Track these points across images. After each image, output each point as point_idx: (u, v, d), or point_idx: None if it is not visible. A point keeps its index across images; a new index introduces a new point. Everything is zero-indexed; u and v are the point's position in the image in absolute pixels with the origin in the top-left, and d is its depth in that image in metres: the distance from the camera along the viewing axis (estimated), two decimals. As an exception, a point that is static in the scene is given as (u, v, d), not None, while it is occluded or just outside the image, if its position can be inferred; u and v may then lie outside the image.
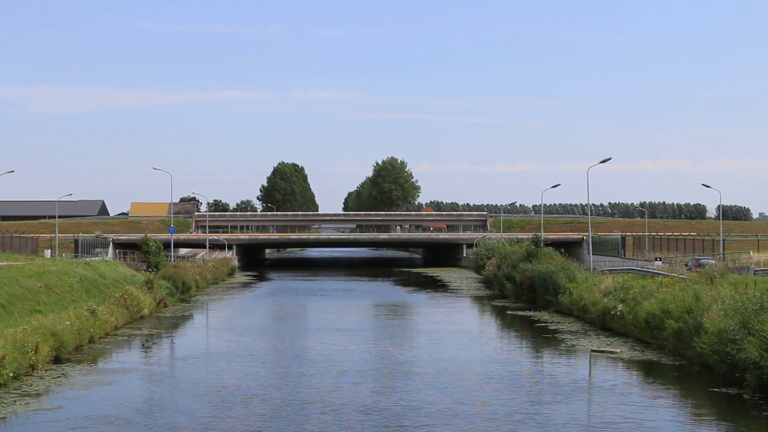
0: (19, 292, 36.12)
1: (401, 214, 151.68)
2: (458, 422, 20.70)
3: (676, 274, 40.06)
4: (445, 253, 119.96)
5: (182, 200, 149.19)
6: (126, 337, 37.17)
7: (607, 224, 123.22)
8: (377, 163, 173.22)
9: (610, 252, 78.75)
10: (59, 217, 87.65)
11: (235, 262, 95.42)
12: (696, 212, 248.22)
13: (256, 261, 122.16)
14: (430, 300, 59.39)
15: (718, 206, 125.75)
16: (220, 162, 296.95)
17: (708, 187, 73.96)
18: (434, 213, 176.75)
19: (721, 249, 64.17)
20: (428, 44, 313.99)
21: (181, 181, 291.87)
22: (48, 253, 72.60)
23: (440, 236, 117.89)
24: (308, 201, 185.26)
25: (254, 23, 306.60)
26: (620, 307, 36.09)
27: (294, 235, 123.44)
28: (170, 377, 28.39)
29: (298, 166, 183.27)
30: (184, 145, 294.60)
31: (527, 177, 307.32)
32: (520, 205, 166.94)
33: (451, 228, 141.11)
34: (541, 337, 36.70)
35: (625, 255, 78.25)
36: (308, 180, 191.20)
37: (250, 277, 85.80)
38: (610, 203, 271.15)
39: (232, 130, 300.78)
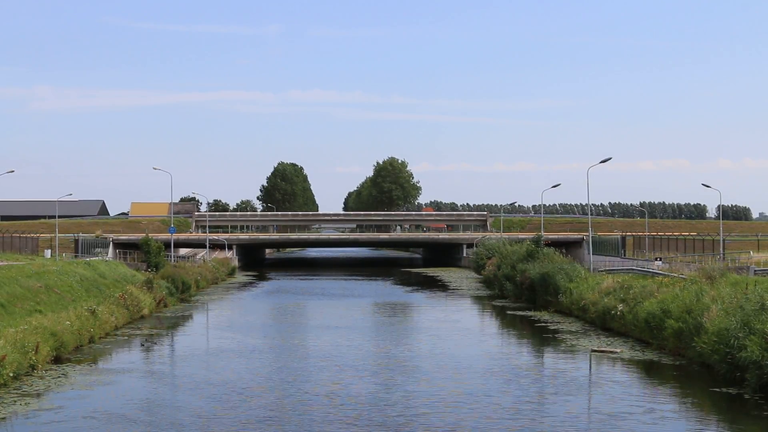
0: (19, 292, 36.11)
1: (401, 214, 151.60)
2: (458, 419, 20.70)
3: (676, 274, 40.01)
4: (445, 253, 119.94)
5: (182, 200, 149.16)
6: (126, 337, 37.18)
7: (607, 224, 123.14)
8: (377, 163, 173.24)
9: (610, 252, 78.70)
10: (59, 217, 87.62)
11: (235, 262, 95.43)
12: (696, 212, 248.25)
13: (256, 261, 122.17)
14: (430, 299, 59.39)
15: (718, 206, 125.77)
16: (220, 162, 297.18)
17: (708, 187, 73.87)
18: (434, 213, 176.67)
19: (721, 249, 64.10)
20: (428, 44, 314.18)
21: (181, 181, 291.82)
22: (48, 253, 72.54)
23: (440, 236, 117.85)
24: (308, 201, 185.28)
25: (253, 23, 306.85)
26: (620, 307, 36.08)
27: (294, 235, 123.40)
28: (171, 376, 28.40)
29: (298, 166, 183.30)
30: (184, 145, 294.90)
31: (526, 177, 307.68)
32: (520, 205, 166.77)
33: (451, 228, 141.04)
34: (541, 337, 36.70)
35: (625, 255, 78.17)
36: (308, 180, 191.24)
37: (250, 277, 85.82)
38: (610, 203, 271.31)
39: (232, 130, 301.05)
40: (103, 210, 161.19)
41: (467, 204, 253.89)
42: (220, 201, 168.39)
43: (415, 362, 30.05)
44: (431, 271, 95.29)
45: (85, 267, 50.03)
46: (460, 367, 28.76)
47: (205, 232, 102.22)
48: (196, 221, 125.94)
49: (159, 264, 66.13)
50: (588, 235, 68.90)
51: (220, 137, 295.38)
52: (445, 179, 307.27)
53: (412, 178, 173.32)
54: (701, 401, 23.50)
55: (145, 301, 45.91)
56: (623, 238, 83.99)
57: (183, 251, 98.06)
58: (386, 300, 58.71)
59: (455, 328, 40.91)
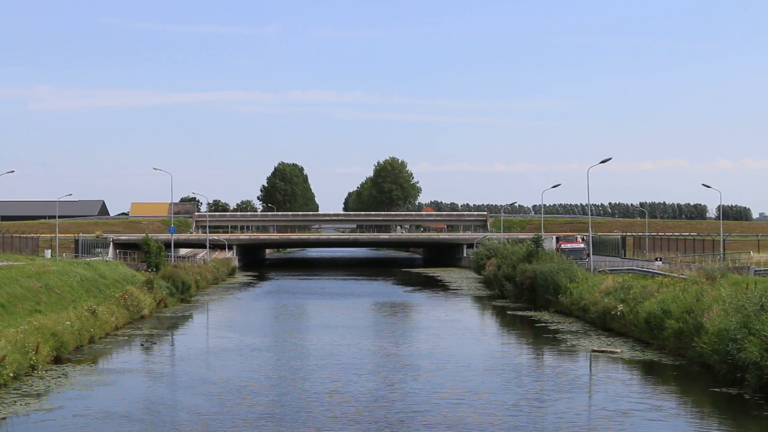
0: (20, 292, 36.11)
1: (401, 214, 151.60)
2: (458, 416, 20.71)
3: (676, 275, 40.02)
4: (445, 253, 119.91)
5: (182, 200, 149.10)
6: (126, 337, 37.18)
7: (607, 224, 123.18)
8: (378, 163, 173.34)
9: (611, 252, 78.70)
10: (59, 217, 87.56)
11: (236, 262, 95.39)
12: (696, 212, 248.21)
13: (257, 261, 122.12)
14: (430, 300, 59.40)
15: (718, 206, 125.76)
16: (220, 162, 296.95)
17: (708, 187, 73.77)
18: (434, 213, 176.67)
19: (721, 249, 64.12)
20: (428, 44, 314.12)
21: (181, 181, 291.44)
22: (48, 253, 72.56)
23: (440, 236, 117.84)
24: (308, 201, 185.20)
25: (253, 23, 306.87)
26: (620, 307, 36.07)
27: (294, 235, 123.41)
28: (171, 376, 28.41)
29: (298, 166, 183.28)
30: (184, 145, 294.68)
31: (526, 177, 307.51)
32: (520, 205, 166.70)
33: (451, 228, 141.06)
34: (541, 337, 36.71)
35: (625, 255, 78.19)
36: (308, 180, 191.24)
37: (250, 277, 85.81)
38: (610, 203, 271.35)
39: (232, 130, 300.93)
40: (103, 210, 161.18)
41: (467, 204, 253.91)
42: (220, 201, 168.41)
43: (416, 361, 30.06)
44: (431, 272, 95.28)
45: (85, 267, 50.01)
46: (460, 366, 28.78)
47: (206, 233, 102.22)
48: (197, 221, 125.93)
49: (159, 264, 66.14)
50: (588, 235, 68.84)
51: (220, 137, 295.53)
52: (445, 179, 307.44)
53: (412, 178, 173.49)
54: (701, 401, 23.51)
55: (145, 301, 45.91)
56: (623, 238, 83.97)
57: (183, 251, 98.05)
58: (386, 300, 58.71)
59: (455, 327, 40.92)
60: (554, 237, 69.91)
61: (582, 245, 63.37)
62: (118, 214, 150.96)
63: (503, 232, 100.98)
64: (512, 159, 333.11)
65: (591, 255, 56.14)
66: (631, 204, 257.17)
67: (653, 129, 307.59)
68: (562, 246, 64.89)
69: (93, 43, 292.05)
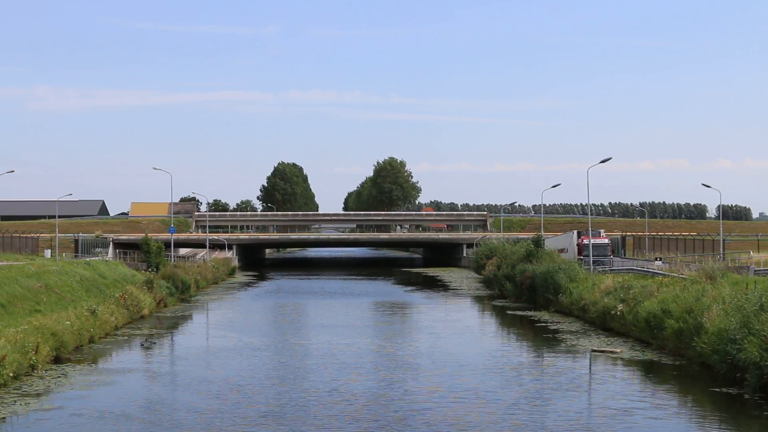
0: (20, 292, 36.10)
1: (401, 214, 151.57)
2: (459, 415, 20.71)
3: (676, 274, 39.99)
4: (445, 253, 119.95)
5: (182, 200, 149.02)
6: (126, 337, 37.19)
7: (607, 224, 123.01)
8: (377, 163, 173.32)
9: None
10: (59, 217, 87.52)
11: (235, 262, 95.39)
12: (696, 212, 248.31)
13: (256, 261, 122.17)
14: (429, 299, 59.41)
15: (718, 206, 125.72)
16: (220, 162, 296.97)
17: (708, 187, 73.68)
18: (434, 213, 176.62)
19: (721, 249, 64.08)
20: (428, 44, 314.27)
21: (181, 181, 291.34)
22: (48, 253, 72.54)
23: (440, 236, 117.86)
24: (308, 201, 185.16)
25: (253, 23, 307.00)
26: (620, 307, 36.08)
27: (294, 235, 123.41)
28: (171, 375, 28.41)
29: (297, 166, 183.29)
30: (184, 145, 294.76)
31: (526, 177, 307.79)
32: (520, 205, 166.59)
33: (451, 228, 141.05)
34: (541, 337, 36.72)
35: (625, 255, 78.19)
36: (308, 180, 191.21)
37: (250, 277, 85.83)
38: (610, 203, 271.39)
39: (232, 130, 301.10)
40: (103, 210, 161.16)
41: (467, 204, 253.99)
42: (220, 201, 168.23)
43: (416, 360, 30.07)
44: (431, 271, 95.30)
45: (85, 267, 50.01)
46: (460, 365, 28.79)
47: (205, 232, 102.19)
48: (196, 221, 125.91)
49: (159, 264, 66.12)
50: (589, 234, 68.71)
51: (220, 137, 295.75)
52: (445, 179, 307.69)
53: (411, 177, 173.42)
54: (701, 401, 23.51)
55: (145, 301, 45.92)
56: (623, 238, 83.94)
57: (183, 251, 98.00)
58: (386, 299, 58.71)
59: (455, 327, 40.93)
60: (575, 232, 68.71)
61: (607, 240, 61.97)
62: (118, 214, 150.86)
63: (503, 232, 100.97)
64: (512, 159, 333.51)
65: (591, 255, 55.98)
66: (631, 204, 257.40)
67: (653, 129, 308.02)
68: (585, 241, 63.78)
69: (93, 43, 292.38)
